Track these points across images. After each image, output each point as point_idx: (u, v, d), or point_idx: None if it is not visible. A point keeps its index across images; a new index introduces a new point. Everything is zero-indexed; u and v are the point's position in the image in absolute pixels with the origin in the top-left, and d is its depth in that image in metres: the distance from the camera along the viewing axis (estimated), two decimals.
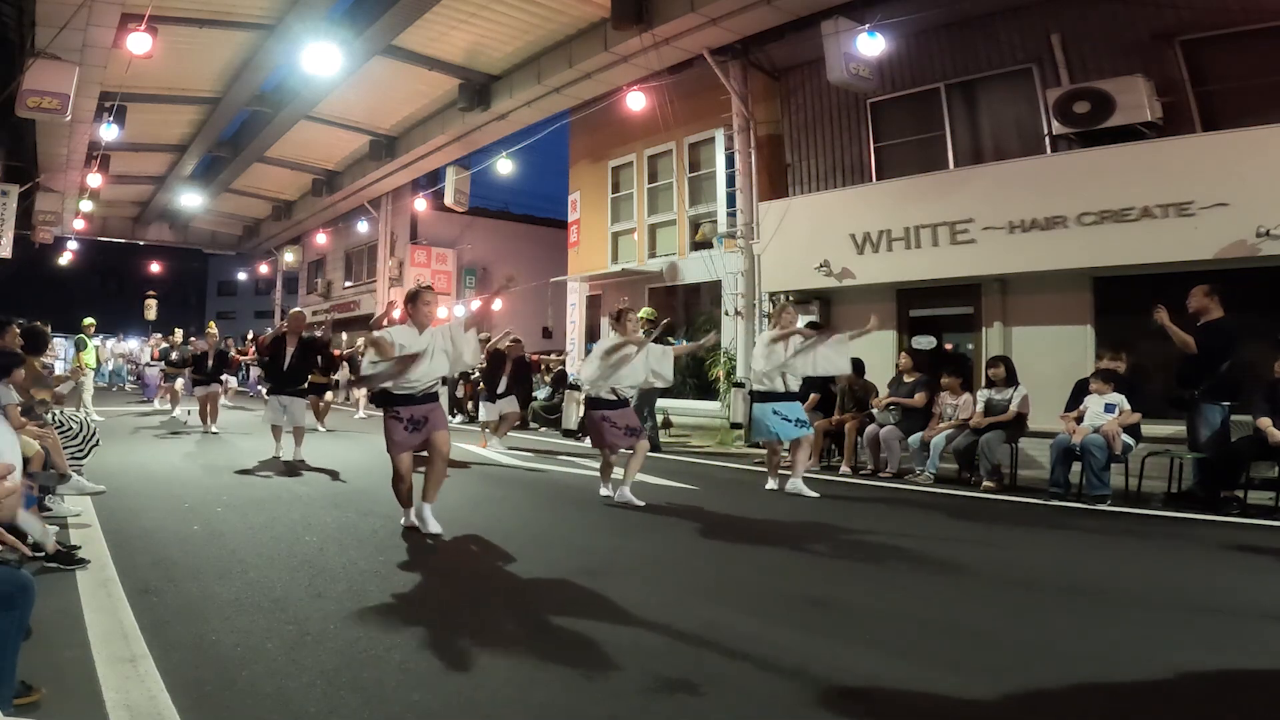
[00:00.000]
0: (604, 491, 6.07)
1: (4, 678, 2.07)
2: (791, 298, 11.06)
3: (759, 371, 6.62)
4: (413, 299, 4.82)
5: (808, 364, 6.57)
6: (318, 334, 9.21)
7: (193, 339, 13.74)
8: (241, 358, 15.08)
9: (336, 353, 14.49)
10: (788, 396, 6.60)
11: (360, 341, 7.85)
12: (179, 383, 12.79)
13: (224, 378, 12.71)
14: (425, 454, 4.81)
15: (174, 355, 13.17)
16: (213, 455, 8.29)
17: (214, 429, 10.36)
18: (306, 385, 8.69)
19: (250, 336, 19.43)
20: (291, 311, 8.72)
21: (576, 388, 10.87)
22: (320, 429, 11.82)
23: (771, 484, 6.69)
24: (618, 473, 6.11)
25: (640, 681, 2.54)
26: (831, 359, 6.66)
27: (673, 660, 2.73)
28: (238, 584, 3.54)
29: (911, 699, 2.45)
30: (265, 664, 2.62)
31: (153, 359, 15.90)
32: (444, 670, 2.61)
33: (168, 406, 13.96)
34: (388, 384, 4.67)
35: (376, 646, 2.80)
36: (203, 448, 8.86)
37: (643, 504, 5.71)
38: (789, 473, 6.61)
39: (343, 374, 14.47)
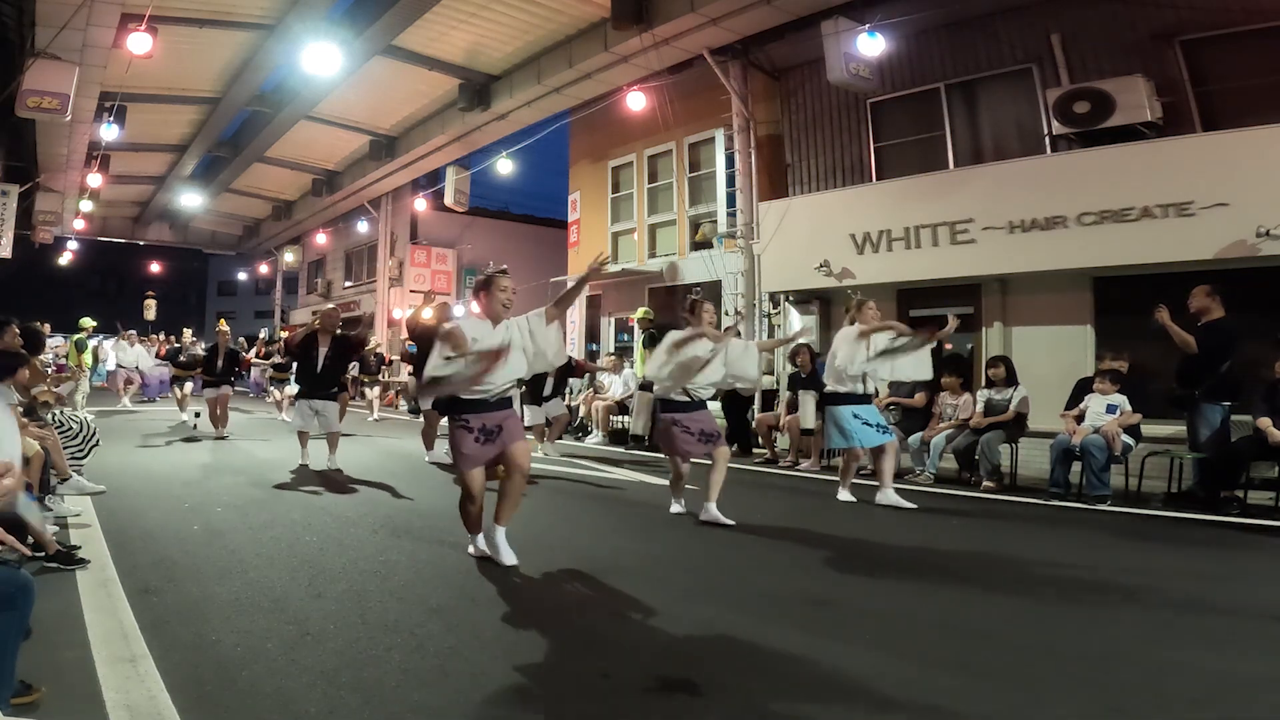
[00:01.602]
0: (675, 509, 5.41)
1: (4, 678, 2.07)
2: (792, 297, 11.07)
3: (838, 370, 6.00)
4: (486, 286, 4.04)
5: (887, 368, 6.03)
6: (352, 331, 8.42)
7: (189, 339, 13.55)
8: (254, 359, 14.69)
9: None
10: (866, 399, 6.04)
11: (373, 340, 7.76)
12: (188, 386, 11.95)
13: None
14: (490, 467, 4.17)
15: (182, 357, 12.36)
16: (228, 460, 8.25)
17: (225, 434, 9.74)
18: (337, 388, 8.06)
19: (262, 336, 18.99)
20: (324, 308, 7.91)
21: (647, 388, 9.93)
22: (286, 419, 11.88)
23: (845, 495, 6.12)
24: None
25: (640, 681, 2.54)
26: (915, 365, 6.04)
27: (673, 660, 2.73)
28: (238, 584, 3.54)
29: (911, 699, 2.44)
30: (265, 664, 2.62)
31: (159, 356, 15.12)
32: (444, 670, 2.61)
33: (125, 403, 13.99)
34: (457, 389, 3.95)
35: (376, 646, 2.80)
36: (217, 454, 8.43)
37: (732, 523, 5.03)
38: (853, 483, 6.18)
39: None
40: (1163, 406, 6.82)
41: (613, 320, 14.80)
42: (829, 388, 6.15)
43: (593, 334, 15.32)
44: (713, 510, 5.13)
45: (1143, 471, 6.44)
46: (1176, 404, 6.50)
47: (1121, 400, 6.50)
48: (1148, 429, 6.75)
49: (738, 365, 5.43)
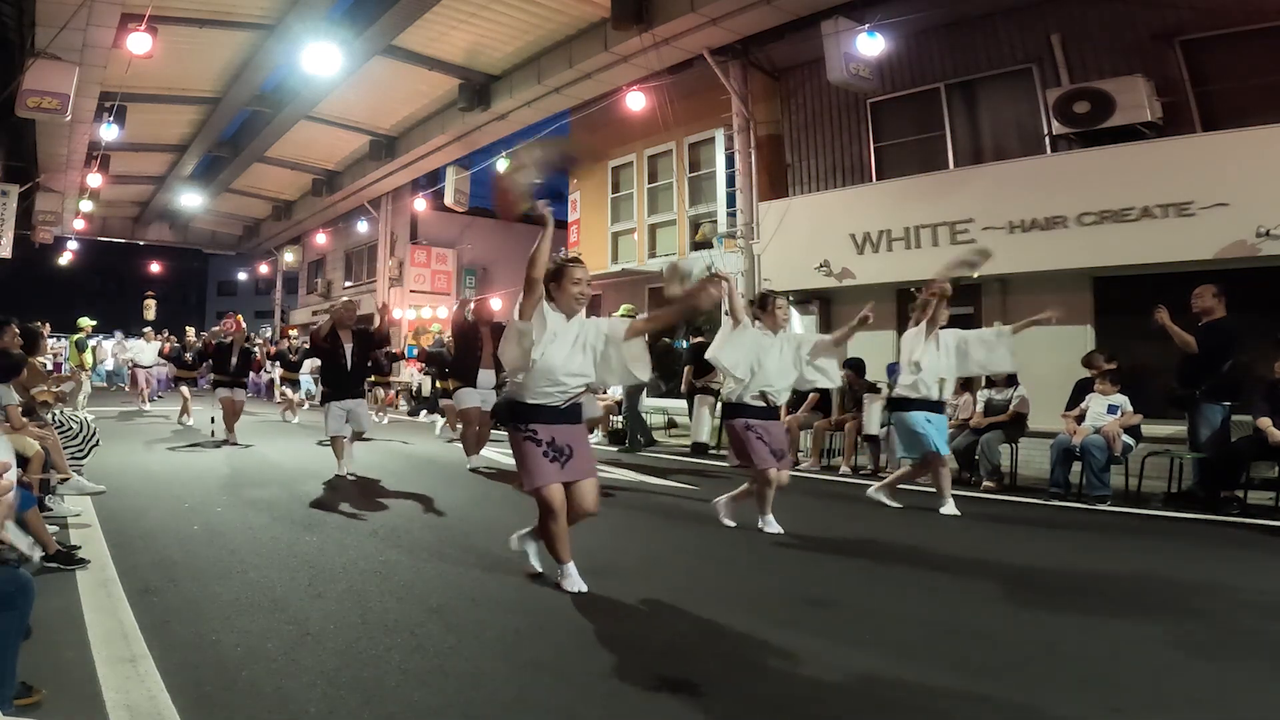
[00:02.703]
0: (771, 528, 4.87)
1: (4, 678, 2.07)
2: (792, 297, 11.06)
3: (908, 373, 5.62)
4: (556, 276, 3.49)
5: (961, 364, 5.67)
6: (373, 326, 7.64)
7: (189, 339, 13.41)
8: (269, 361, 14.36)
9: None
10: (939, 406, 5.69)
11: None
12: (185, 390, 11.79)
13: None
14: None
15: (187, 356, 12.00)
16: (230, 461, 8.25)
17: (236, 438, 9.12)
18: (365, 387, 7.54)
19: (270, 335, 18.74)
20: (341, 301, 7.32)
21: (711, 391, 9.21)
22: (293, 420, 11.84)
23: (891, 502, 5.84)
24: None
25: (640, 681, 2.54)
26: (995, 358, 5.67)
27: (673, 660, 2.73)
28: (238, 584, 3.54)
29: (911, 699, 2.44)
30: (265, 664, 2.62)
31: (163, 355, 14.47)
32: (444, 670, 2.61)
33: (146, 406, 13.89)
34: (515, 391, 3.52)
35: (376, 646, 2.80)
36: (219, 455, 8.18)
37: (780, 530, 4.81)
38: (898, 490, 5.92)
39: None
40: (1163, 406, 6.83)
41: None
42: (898, 393, 5.76)
43: None
44: (772, 522, 4.90)
45: (1143, 471, 6.44)
46: (1177, 404, 6.50)
47: (1122, 401, 6.50)
48: (1148, 429, 6.75)
49: (818, 362, 4.98)
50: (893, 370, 7.24)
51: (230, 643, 2.81)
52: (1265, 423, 5.71)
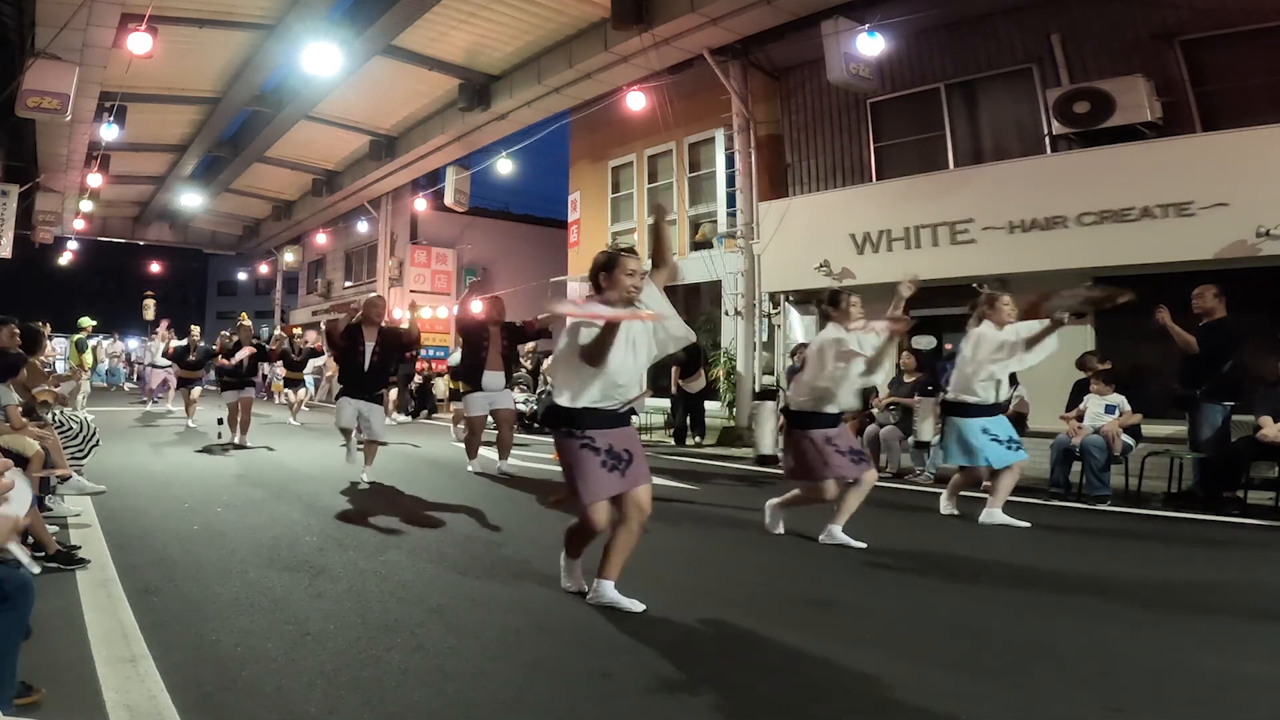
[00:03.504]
0: (856, 543, 4.53)
1: (4, 678, 2.07)
2: (792, 297, 11.07)
3: (966, 377, 5.24)
4: (608, 266, 3.22)
5: (1017, 364, 5.26)
6: (403, 324, 7.22)
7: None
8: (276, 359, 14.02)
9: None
10: (996, 410, 5.33)
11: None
12: (195, 390, 11.48)
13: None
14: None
15: (192, 357, 11.63)
16: (231, 461, 8.24)
17: (247, 441, 8.79)
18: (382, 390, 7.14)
19: (276, 333, 18.33)
20: (368, 297, 6.90)
21: (771, 395, 8.62)
22: (295, 423, 11.81)
23: (949, 508, 5.58)
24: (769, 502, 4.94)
25: (640, 681, 2.54)
26: (1040, 341, 5.23)
27: (673, 660, 2.73)
28: (238, 584, 3.54)
29: (911, 699, 2.44)
30: (265, 664, 2.62)
31: (166, 354, 13.84)
32: (444, 670, 2.61)
33: (169, 407, 13.77)
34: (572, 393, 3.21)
35: (376, 646, 2.80)
36: (221, 456, 8.03)
37: (863, 545, 4.50)
38: (959, 496, 5.59)
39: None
40: (1163, 406, 6.83)
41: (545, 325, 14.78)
42: (953, 396, 5.39)
43: None
44: (838, 533, 4.57)
45: (1143, 471, 6.44)
46: (1178, 404, 6.50)
47: (1120, 400, 6.50)
48: (1148, 429, 6.75)
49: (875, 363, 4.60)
50: (944, 370, 6.83)
51: (230, 643, 2.81)
52: (1266, 421, 5.71)
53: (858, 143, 10.72)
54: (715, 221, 12.36)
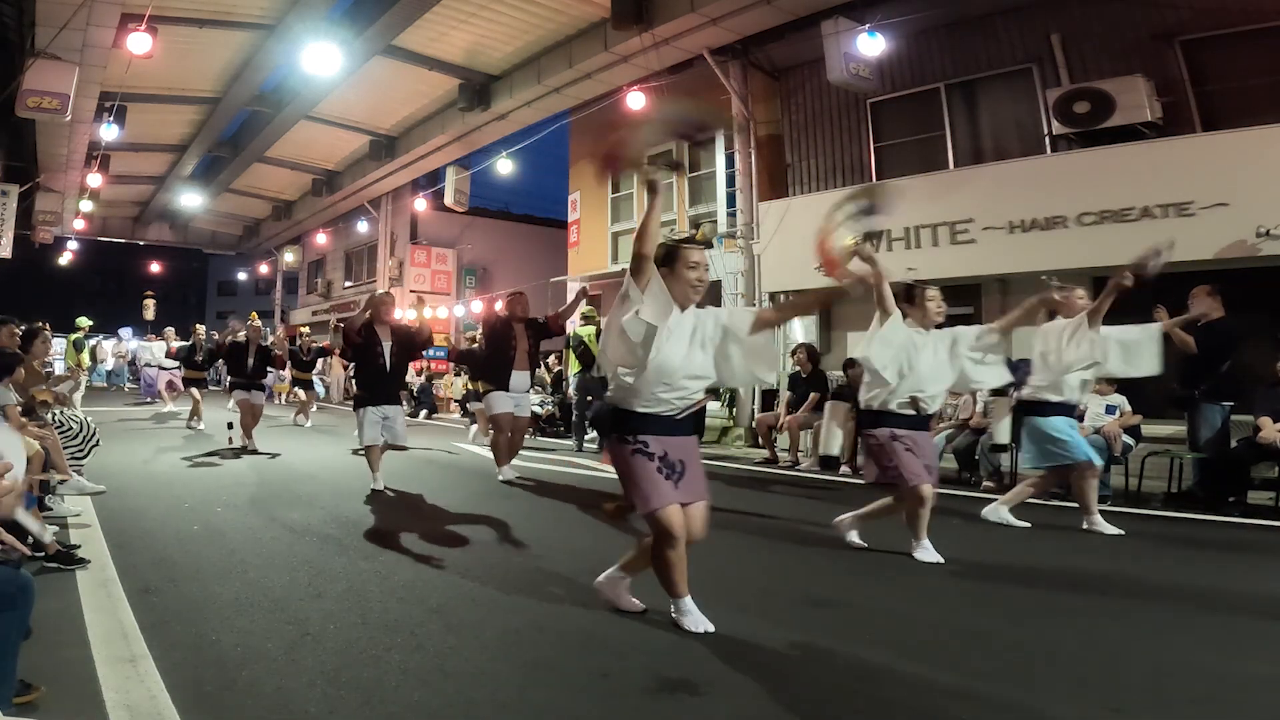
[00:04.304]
0: (929, 555, 4.17)
1: (4, 678, 2.07)
2: (792, 298, 11.05)
3: (1043, 374, 4.97)
4: (669, 259, 2.95)
5: (1100, 363, 4.90)
6: (413, 322, 6.94)
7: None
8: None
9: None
10: (1073, 409, 5.07)
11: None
12: (201, 390, 11.26)
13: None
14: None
15: (198, 357, 11.37)
16: (231, 461, 8.23)
17: (254, 445, 8.50)
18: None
19: (281, 334, 18.08)
20: (377, 294, 6.55)
21: (841, 396, 7.98)
22: (305, 424, 11.77)
23: (1018, 521, 5.13)
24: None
25: (640, 681, 2.54)
26: (1138, 363, 4.91)
27: (673, 660, 2.73)
28: (238, 584, 3.54)
29: (911, 699, 2.45)
30: (265, 664, 2.62)
31: (170, 355, 13.70)
32: (444, 670, 2.61)
33: (172, 408, 13.71)
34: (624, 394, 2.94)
35: (376, 646, 2.80)
36: (233, 460, 7.81)
37: (940, 559, 4.13)
38: (1006, 500, 5.24)
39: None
40: (1162, 406, 6.82)
41: (584, 299, 14.75)
42: (1030, 395, 5.07)
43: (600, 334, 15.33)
44: (928, 549, 4.19)
45: (1143, 471, 6.44)
46: (1177, 404, 6.50)
47: (1121, 401, 6.50)
48: (1148, 429, 6.75)
49: (978, 360, 4.29)
50: (1019, 368, 6.46)
51: (230, 643, 2.81)
52: (1266, 422, 5.71)
53: (858, 143, 10.72)
54: (715, 221, 12.36)
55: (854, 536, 4.47)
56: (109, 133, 13.72)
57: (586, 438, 9.60)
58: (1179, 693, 2.52)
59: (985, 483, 6.92)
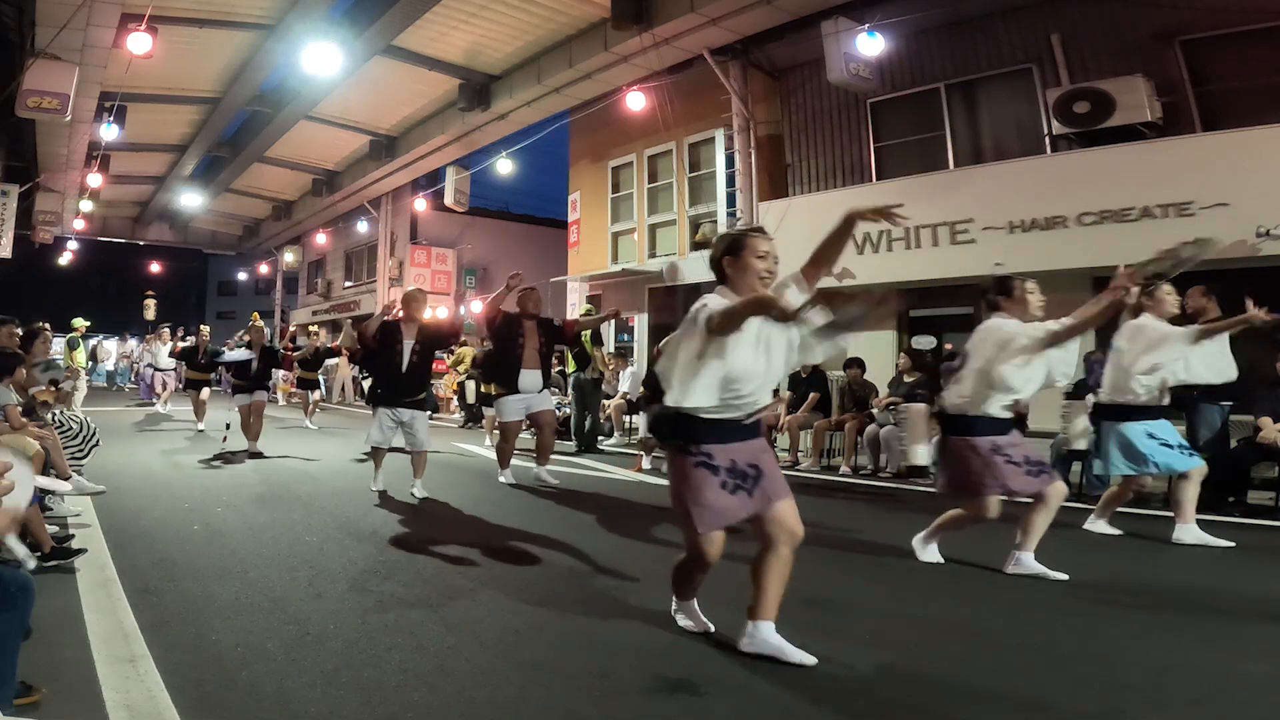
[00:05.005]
0: (1055, 574, 3.84)
1: (4, 678, 2.07)
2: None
3: (1123, 373, 4.71)
4: (734, 248, 2.73)
5: (1182, 367, 4.71)
6: (444, 322, 6.70)
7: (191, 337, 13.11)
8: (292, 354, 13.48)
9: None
10: (1159, 412, 4.74)
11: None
12: (204, 391, 11.00)
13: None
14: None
15: (202, 359, 11.02)
16: (230, 461, 8.23)
17: (259, 448, 8.28)
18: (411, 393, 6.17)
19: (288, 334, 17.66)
20: (407, 291, 6.31)
21: (919, 399, 7.53)
22: (312, 427, 11.76)
23: (1104, 526, 4.93)
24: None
25: (640, 681, 2.54)
26: (1211, 363, 4.77)
27: (673, 660, 2.73)
28: (238, 584, 3.54)
29: (912, 699, 2.45)
30: (265, 664, 2.62)
31: (173, 354, 13.04)
32: (444, 670, 2.61)
33: (161, 409, 13.67)
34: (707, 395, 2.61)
35: (376, 646, 2.80)
36: (245, 465, 7.60)
37: (1064, 576, 3.83)
38: (1106, 509, 4.97)
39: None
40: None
41: (612, 320, 14.77)
42: (1107, 398, 4.83)
43: (595, 336, 15.31)
44: (1030, 561, 3.89)
45: None
46: (1175, 404, 6.47)
47: None
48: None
49: (1065, 358, 3.93)
50: (1094, 367, 6.15)
51: (230, 643, 2.81)
52: (1266, 422, 5.71)
53: (858, 143, 10.73)
54: (715, 221, 12.36)
55: (933, 554, 4.16)
56: (109, 133, 13.73)
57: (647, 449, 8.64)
58: (1179, 693, 2.52)
59: (913, 479, 6.80)
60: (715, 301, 2.58)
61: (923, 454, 7.41)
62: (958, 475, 3.91)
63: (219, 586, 3.49)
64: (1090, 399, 5.94)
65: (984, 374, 3.81)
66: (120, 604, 3.20)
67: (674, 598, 3.07)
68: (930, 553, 4.14)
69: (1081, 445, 6.45)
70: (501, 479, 6.71)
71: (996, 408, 3.84)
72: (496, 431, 9.12)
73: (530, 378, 6.52)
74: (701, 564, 2.82)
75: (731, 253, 2.72)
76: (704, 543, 2.73)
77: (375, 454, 6.11)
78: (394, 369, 5.95)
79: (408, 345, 5.91)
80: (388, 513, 5.34)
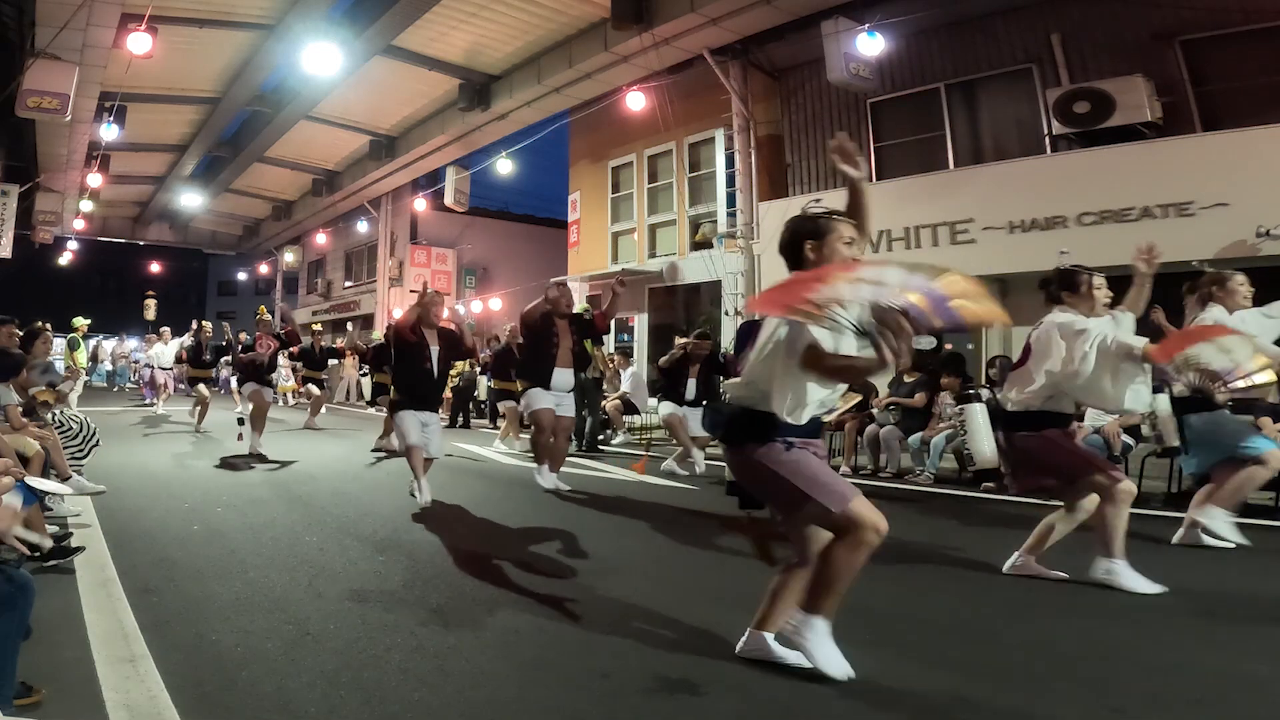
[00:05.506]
0: (1139, 584, 3.53)
1: (4, 678, 2.07)
2: None
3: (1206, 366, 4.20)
4: (816, 234, 2.53)
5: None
6: (460, 325, 6.50)
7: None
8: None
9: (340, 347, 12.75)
10: (1236, 406, 4.61)
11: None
12: (202, 388, 10.84)
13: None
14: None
15: (206, 356, 10.99)
16: (230, 461, 8.23)
17: (261, 449, 8.16)
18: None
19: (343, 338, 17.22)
20: (429, 294, 6.11)
21: (974, 399, 6.86)
22: (317, 427, 11.75)
23: (1222, 526, 4.57)
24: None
25: (640, 681, 2.54)
26: None
27: (673, 660, 2.73)
28: (238, 584, 3.54)
29: (912, 699, 2.44)
30: (265, 664, 2.62)
31: (180, 359, 12.92)
32: (444, 670, 2.61)
33: (161, 410, 13.62)
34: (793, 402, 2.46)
35: (376, 646, 2.80)
36: (245, 464, 7.56)
37: (1065, 576, 3.77)
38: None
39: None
40: None
41: (613, 320, 14.78)
42: (1180, 391, 4.73)
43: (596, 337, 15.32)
44: (1121, 569, 3.57)
45: (1142, 471, 6.43)
46: (1175, 404, 6.48)
47: None
48: (1147, 429, 6.73)
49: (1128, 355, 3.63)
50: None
51: (230, 643, 2.81)
52: (1266, 422, 5.70)
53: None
54: (715, 221, 12.37)
55: (1056, 573, 3.84)
56: (109, 133, 13.74)
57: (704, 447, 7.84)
58: (1179, 693, 2.52)
59: (985, 483, 6.90)
60: (821, 337, 2.28)
61: (991, 455, 7.15)
62: (1039, 470, 3.73)
63: (219, 586, 3.49)
64: (1162, 396, 5.54)
65: (1074, 378, 3.51)
66: (120, 604, 3.20)
67: (809, 616, 2.56)
68: (1052, 573, 3.80)
69: (1175, 442, 5.93)
70: (540, 480, 6.39)
71: (1060, 402, 3.69)
72: (514, 437, 9.27)
73: (563, 376, 6.43)
74: (878, 534, 2.52)
75: (816, 236, 2.49)
76: (860, 513, 2.46)
77: (412, 455, 5.63)
78: (425, 374, 5.80)
79: (434, 351, 5.81)
80: (388, 513, 5.34)
